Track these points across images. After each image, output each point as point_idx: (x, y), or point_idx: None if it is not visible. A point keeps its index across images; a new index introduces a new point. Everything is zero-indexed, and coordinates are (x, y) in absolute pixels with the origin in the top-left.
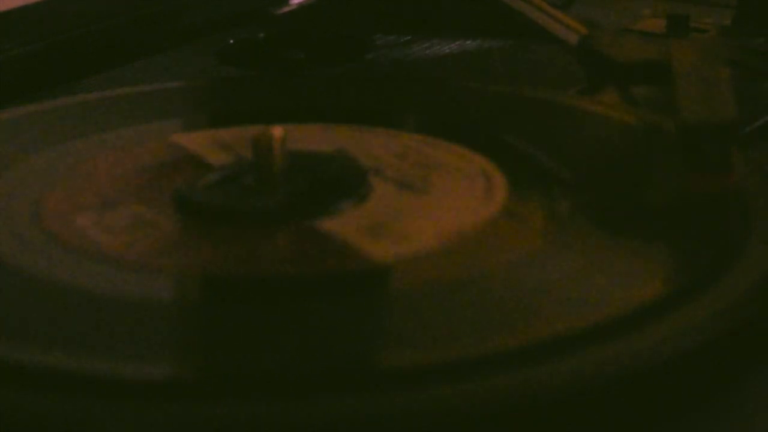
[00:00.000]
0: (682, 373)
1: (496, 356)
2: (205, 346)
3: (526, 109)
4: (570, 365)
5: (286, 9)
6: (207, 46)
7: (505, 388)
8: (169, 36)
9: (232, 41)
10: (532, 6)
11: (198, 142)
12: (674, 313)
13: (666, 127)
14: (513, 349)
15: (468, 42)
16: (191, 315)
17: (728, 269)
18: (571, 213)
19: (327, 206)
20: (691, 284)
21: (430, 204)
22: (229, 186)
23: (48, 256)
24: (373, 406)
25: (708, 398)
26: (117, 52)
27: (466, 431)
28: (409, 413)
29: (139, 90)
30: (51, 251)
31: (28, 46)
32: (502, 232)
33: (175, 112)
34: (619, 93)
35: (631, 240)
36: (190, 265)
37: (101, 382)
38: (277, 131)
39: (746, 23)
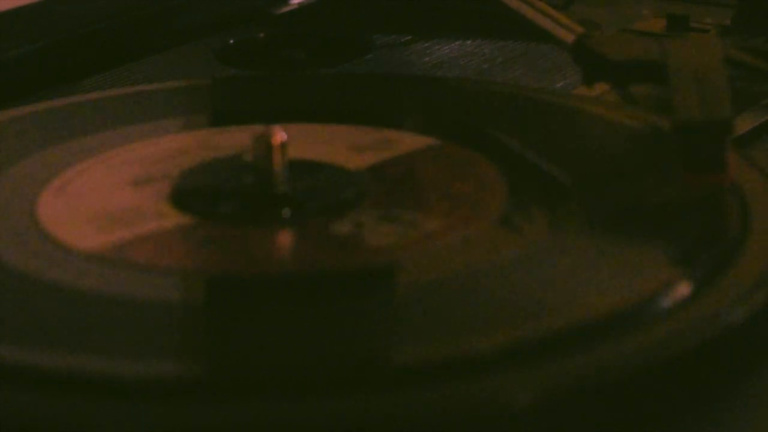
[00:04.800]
0: (681, 373)
1: (497, 356)
2: (206, 347)
3: (525, 109)
4: (570, 364)
5: (286, 9)
6: (207, 46)
7: (505, 387)
8: (169, 36)
9: (232, 41)
10: (529, 6)
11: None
12: (672, 313)
13: (663, 126)
14: (513, 348)
15: (468, 42)
16: (192, 315)
17: (727, 269)
18: (568, 211)
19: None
20: (689, 284)
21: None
22: (229, 186)
23: (47, 256)
24: (377, 406)
25: (707, 398)
26: (117, 52)
27: (466, 431)
28: (413, 413)
29: (139, 90)
30: (50, 251)
31: (28, 46)
32: (500, 231)
33: (175, 112)
34: (618, 92)
35: (629, 239)
36: (191, 265)
37: (102, 383)
38: (277, 131)
39: (746, 23)
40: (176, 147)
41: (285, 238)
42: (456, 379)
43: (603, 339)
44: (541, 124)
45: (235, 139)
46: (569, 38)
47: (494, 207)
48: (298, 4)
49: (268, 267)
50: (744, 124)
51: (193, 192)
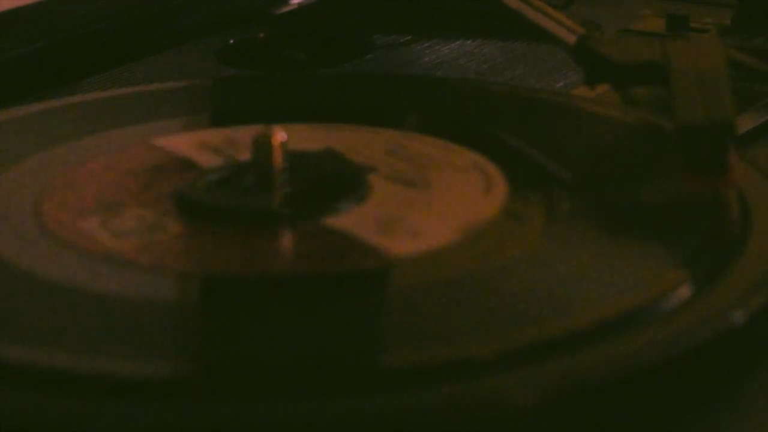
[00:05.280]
0: (681, 373)
1: (497, 356)
2: (205, 347)
3: (526, 109)
4: (570, 364)
5: (286, 9)
6: (207, 46)
7: (505, 388)
8: (169, 36)
9: (232, 41)
10: (529, 6)
11: (184, 144)
12: (673, 313)
13: (664, 127)
14: (513, 349)
15: (468, 42)
16: (192, 315)
17: (727, 269)
18: (570, 212)
19: (328, 205)
20: (690, 285)
21: (432, 200)
22: (229, 186)
23: (48, 255)
24: (377, 407)
25: (707, 398)
26: (117, 52)
27: (466, 431)
28: (413, 413)
29: (139, 90)
30: (50, 251)
31: (28, 46)
32: (501, 231)
33: (176, 112)
34: (619, 93)
35: (629, 240)
36: (191, 265)
37: (102, 383)
38: (277, 131)
39: (746, 23)
40: (177, 147)
41: (281, 237)
42: (456, 379)
43: (603, 339)
44: (540, 125)
45: (234, 139)
46: (570, 39)
47: (496, 208)
48: (298, 4)
49: (265, 267)
50: (744, 124)
51: (193, 190)
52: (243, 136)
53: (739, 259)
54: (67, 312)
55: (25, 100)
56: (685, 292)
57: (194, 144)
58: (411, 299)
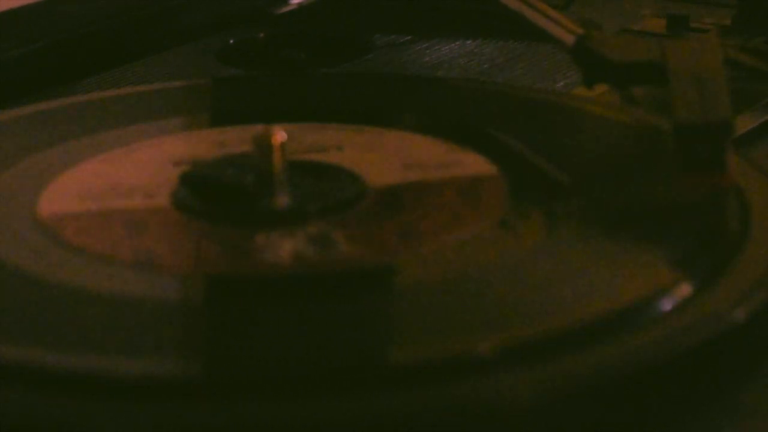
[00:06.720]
0: (681, 373)
1: (497, 356)
2: (205, 347)
3: (525, 109)
4: (570, 364)
5: (286, 9)
6: (207, 46)
7: (505, 388)
8: (169, 36)
9: (232, 41)
10: (529, 6)
11: (183, 144)
12: (672, 313)
13: (663, 127)
14: (513, 349)
15: (468, 42)
16: (190, 315)
17: (727, 269)
18: (569, 212)
19: (328, 204)
20: (690, 284)
21: (431, 200)
22: (228, 186)
23: (47, 255)
24: (377, 406)
25: (707, 398)
26: (117, 52)
27: (466, 431)
28: (413, 413)
29: (139, 90)
30: (50, 251)
31: (28, 46)
32: (500, 231)
33: (176, 112)
34: (619, 93)
35: (629, 239)
36: (189, 264)
37: (101, 382)
38: (277, 131)
39: (746, 23)
40: (176, 147)
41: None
42: (456, 379)
43: (603, 339)
44: (540, 125)
45: (233, 140)
46: (569, 39)
47: (494, 207)
48: (298, 4)
49: (264, 266)
50: (744, 124)
51: (191, 190)
52: (242, 136)
53: (739, 258)
54: (64, 311)
55: (25, 100)
56: (684, 291)
57: (194, 144)
58: (409, 299)
